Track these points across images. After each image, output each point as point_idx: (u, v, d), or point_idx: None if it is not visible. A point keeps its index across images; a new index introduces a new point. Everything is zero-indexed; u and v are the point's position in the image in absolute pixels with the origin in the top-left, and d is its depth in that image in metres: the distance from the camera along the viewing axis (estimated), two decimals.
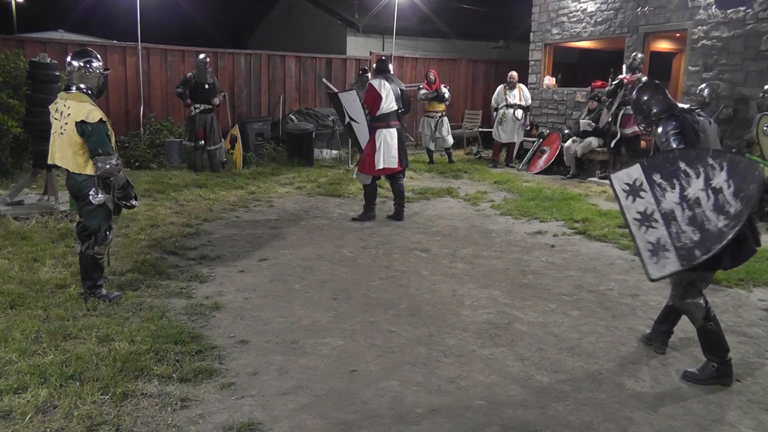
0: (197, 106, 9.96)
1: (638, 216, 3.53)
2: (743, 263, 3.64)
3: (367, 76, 10.87)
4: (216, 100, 10.14)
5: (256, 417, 3.09)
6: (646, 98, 3.86)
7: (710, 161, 3.27)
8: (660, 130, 3.70)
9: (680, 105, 3.86)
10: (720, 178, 3.23)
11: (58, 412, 3.02)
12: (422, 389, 3.43)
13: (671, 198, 3.40)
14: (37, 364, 3.43)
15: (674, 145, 3.54)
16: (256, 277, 5.25)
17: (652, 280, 3.58)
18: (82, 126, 4.23)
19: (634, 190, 3.54)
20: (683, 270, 3.40)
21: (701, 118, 3.74)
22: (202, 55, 10.32)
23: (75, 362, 3.47)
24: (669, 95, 3.85)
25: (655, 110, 3.82)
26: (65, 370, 3.39)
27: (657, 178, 3.45)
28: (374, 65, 7.53)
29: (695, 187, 3.31)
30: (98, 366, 3.47)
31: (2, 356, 3.53)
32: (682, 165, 3.36)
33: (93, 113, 4.25)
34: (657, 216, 3.45)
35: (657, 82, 4.02)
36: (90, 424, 2.94)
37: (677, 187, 3.37)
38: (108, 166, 4.28)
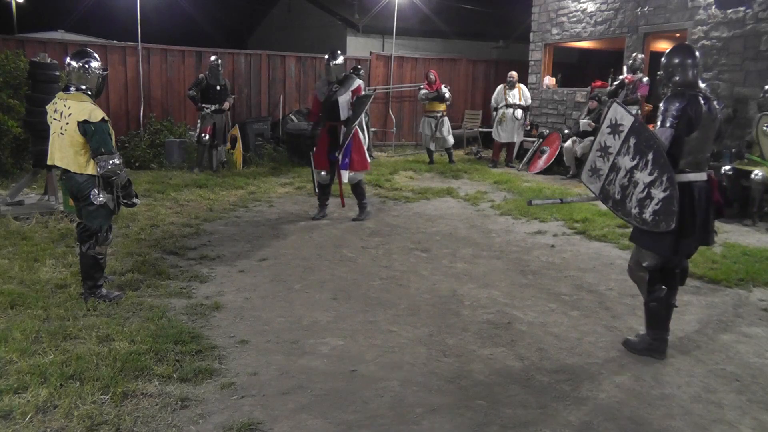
0: (208, 106, 9.97)
1: (603, 145, 3.97)
2: (683, 255, 3.95)
3: (362, 75, 10.86)
4: (226, 105, 10.16)
5: (256, 417, 3.09)
6: (676, 62, 3.80)
7: (664, 177, 3.59)
8: (663, 103, 3.74)
9: (701, 85, 3.84)
10: (658, 193, 3.62)
11: (58, 412, 3.02)
12: (422, 389, 3.43)
13: (626, 161, 3.79)
14: (37, 364, 3.43)
15: (667, 125, 3.65)
16: (256, 277, 5.25)
17: (581, 180, 4.29)
18: (84, 126, 4.23)
19: (615, 129, 3.89)
20: (596, 197, 4.08)
21: (706, 110, 3.70)
22: (213, 57, 10.34)
23: (75, 362, 3.47)
24: (696, 69, 3.79)
25: (676, 78, 3.79)
26: (65, 370, 3.39)
27: (632, 140, 3.76)
28: (337, 61, 7.11)
29: (642, 176, 3.69)
30: (98, 366, 3.47)
31: (2, 356, 3.53)
32: (650, 155, 3.65)
33: (95, 113, 4.26)
34: (610, 158, 3.90)
35: (692, 48, 3.92)
36: (90, 424, 2.94)
37: (635, 161, 3.74)
38: (111, 165, 4.29)
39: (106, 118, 4.33)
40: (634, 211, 3.75)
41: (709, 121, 3.73)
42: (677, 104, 3.64)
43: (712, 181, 3.82)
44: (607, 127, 3.93)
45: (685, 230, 3.67)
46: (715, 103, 3.82)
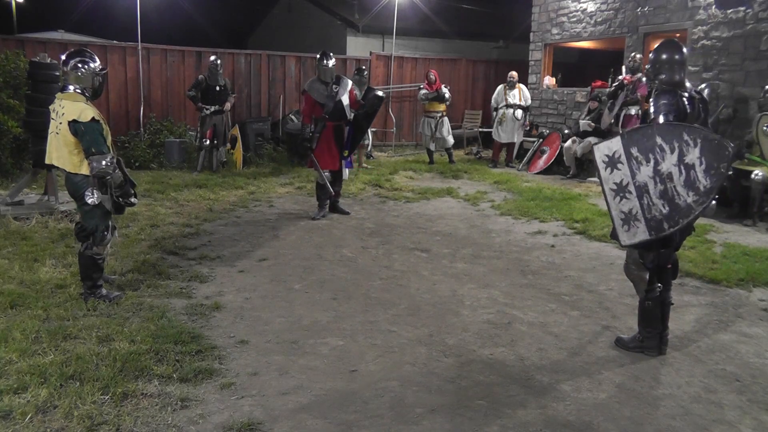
0: (208, 107, 9.96)
1: (614, 186, 3.72)
2: (670, 248, 3.89)
3: (365, 76, 10.84)
4: (227, 105, 10.14)
5: (256, 417, 3.09)
6: (663, 58, 3.84)
7: (685, 137, 3.41)
8: (653, 100, 3.78)
9: (688, 84, 3.88)
10: (693, 155, 3.38)
11: (58, 412, 3.02)
12: (422, 389, 3.43)
13: (645, 172, 3.58)
14: (37, 364, 3.43)
15: (661, 119, 3.62)
16: (256, 277, 5.25)
17: (623, 246, 3.92)
18: (74, 125, 4.21)
19: (612, 162, 3.71)
20: (652, 239, 3.65)
21: (690, 110, 3.74)
22: (212, 57, 10.32)
23: (75, 362, 3.47)
24: (683, 68, 3.82)
25: (663, 76, 3.83)
26: (65, 370, 3.39)
27: (634, 151, 3.61)
28: (332, 61, 7.25)
29: (669, 162, 3.48)
30: (98, 366, 3.47)
31: (2, 356, 3.53)
32: (659, 140, 3.51)
33: (85, 112, 4.23)
34: (631, 188, 3.64)
35: (680, 46, 3.92)
36: (90, 424, 2.94)
37: (652, 162, 3.55)
38: (103, 165, 4.25)
39: (98, 117, 4.28)
40: (691, 199, 3.42)
41: (692, 120, 3.76)
42: (668, 98, 3.70)
43: None
44: (605, 169, 3.75)
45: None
46: (698, 102, 3.83)
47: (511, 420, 3.15)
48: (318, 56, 7.28)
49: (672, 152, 3.46)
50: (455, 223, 7.39)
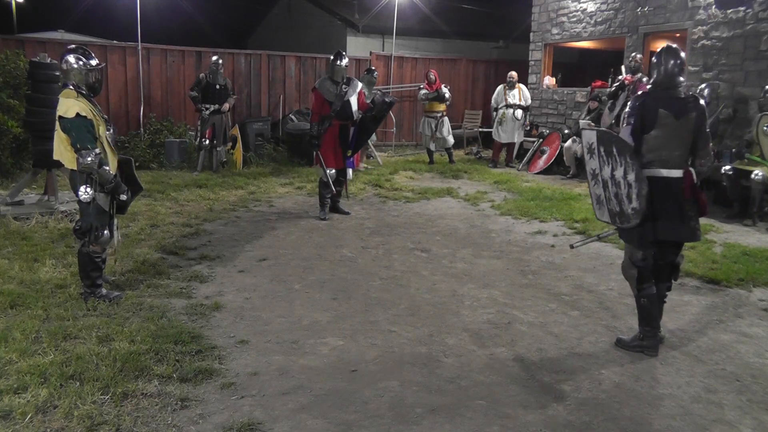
0: (207, 106, 9.96)
1: (591, 171, 4.09)
2: (648, 244, 3.90)
3: (375, 76, 10.85)
4: (226, 106, 10.12)
5: (256, 417, 3.09)
6: (653, 62, 3.95)
7: (628, 159, 3.72)
8: (629, 102, 3.98)
9: (680, 80, 3.90)
10: (631, 177, 3.72)
11: (58, 412, 3.02)
12: (422, 389, 3.43)
13: (606, 172, 3.93)
14: (37, 364, 3.43)
15: (625, 124, 3.86)
16: (256, 277, 5.25)
17: (598, 219, 4.21)
18: (62, 121, 4.22)
19: (590, 150, 4.08)
20: (611, 223, 4.05)
21: (665, 110, 3.75)
22: (214, 57, 10.33)
23: (75, 362, 3.47)
24: (674, 69, 3.84)
25: (652, 77, 3.97)
26: (65, 370, 3.39)
27: (601, 150, 3.92)
28: (345, 62, 7.32)
29: (618, 173, 3.82)
30: (98, 366, 3.47)
31: (2, 356, 3.53)
32: (614, 150, 3.80)
33: (71, 108, 4.21)
34: (599, 179, 4.01)
35: (675, 48, 3.95)
36: (90, 424, 2.94)
37: (609, 166, 3.87)
38: (87, 161, 4.24)
39: (84, 113, 4.25)
40: (630, 210, 3.78)
41: (669, 120, 3.76)
42: (634, 104, 3.88)
43: (687, 179, 3.83)
44: (587, 153, 4.07)
45: (644, 218, 3.76)
46: (689, 104, 3.81)
47: (511, 420, 3.15)
48: (332, 56, 7.35)
49: (620, 166, 3.78)
50: (455, 223, 7.39)
